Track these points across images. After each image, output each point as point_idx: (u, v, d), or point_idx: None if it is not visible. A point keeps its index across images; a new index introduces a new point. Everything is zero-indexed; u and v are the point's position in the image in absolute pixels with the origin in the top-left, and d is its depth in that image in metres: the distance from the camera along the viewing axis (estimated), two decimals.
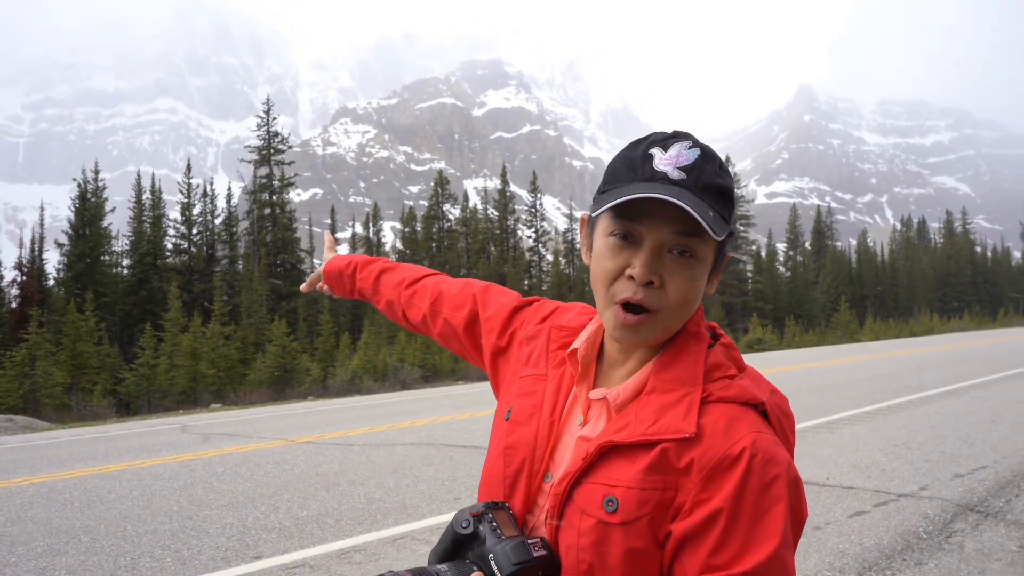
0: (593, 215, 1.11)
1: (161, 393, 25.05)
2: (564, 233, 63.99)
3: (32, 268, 41.00)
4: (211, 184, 44.33)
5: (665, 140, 1.07)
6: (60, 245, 39.36)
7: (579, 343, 1.19)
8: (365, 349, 27.59)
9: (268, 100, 45.17)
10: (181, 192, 41.87)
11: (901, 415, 9.00)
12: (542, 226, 61.66)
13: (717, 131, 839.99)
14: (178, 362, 25.93)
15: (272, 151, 43.33)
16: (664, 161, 1.04)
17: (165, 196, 43.56)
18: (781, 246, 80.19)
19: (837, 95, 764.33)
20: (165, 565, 4.22)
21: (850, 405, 9.95)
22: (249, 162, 43.61)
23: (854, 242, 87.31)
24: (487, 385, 1.21)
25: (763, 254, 69.89)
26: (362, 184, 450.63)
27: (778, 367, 18.44)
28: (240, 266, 42.66)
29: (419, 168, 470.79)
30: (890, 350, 23.85)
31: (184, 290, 37.19)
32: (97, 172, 40.57)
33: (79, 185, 38.97)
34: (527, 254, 60.57)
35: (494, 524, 1.06)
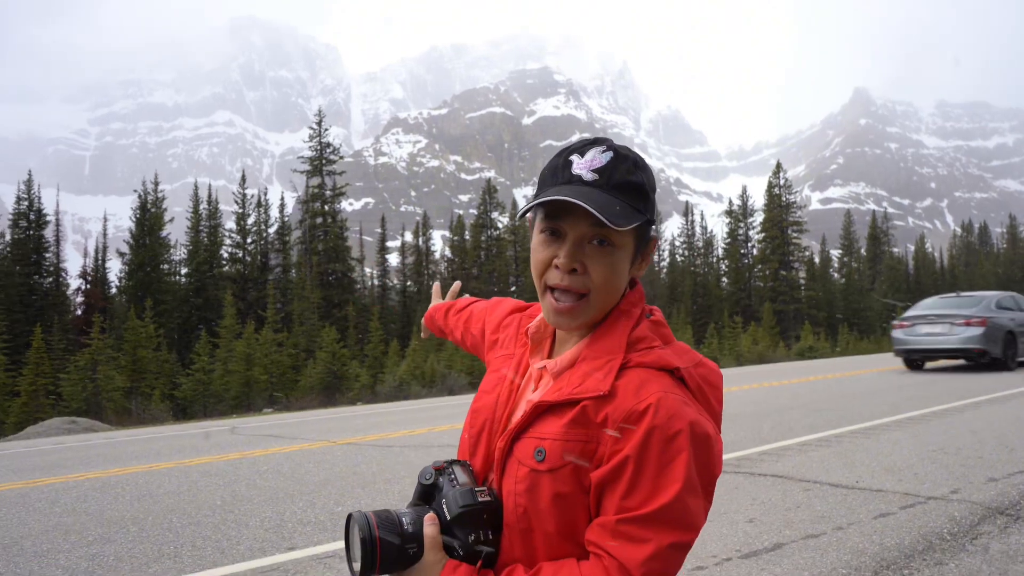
0: (528, 216, 1.32)
1: (216, 398, 25.70)
2: None
3: (96, 276, 42.55)
4: (265, 195, 45.39)
5: (583, 146, 1.25)
6: (122, 254, 40.74)
7: (533, 324, 1.38)
8: (413, 356, 27.90)
9: (320, 112, 46.12)
10: (236, 203, 42.96)
11: (944, 421, 8.86)
12: None
13: (769, 136, 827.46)
14: (232, 368, 26.57)
15: (324, 162, 44.19)
16: (580, 165, 1.22)
17: (222, 206, 44.82)
18: (835, 253, 78.57)
19: (894, 98, 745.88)
20: (205, 554, 4.45)
21: (891, 411, 9.81)
22: (302, 173, 44.56)
23: (912, 248, 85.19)
24: None
25: (816, 260, 68.71)
26: (413, 193, 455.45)
27: (824, 374, 18.18)
28: (293, 274, 43.56)
29: (469, 177, 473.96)
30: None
31: (239, 298, 38.13)
32: (157, 184, 41.92)
33: (139, 197, 40.28)
34: None
35: (452, 476, 1.24)
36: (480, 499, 1.19)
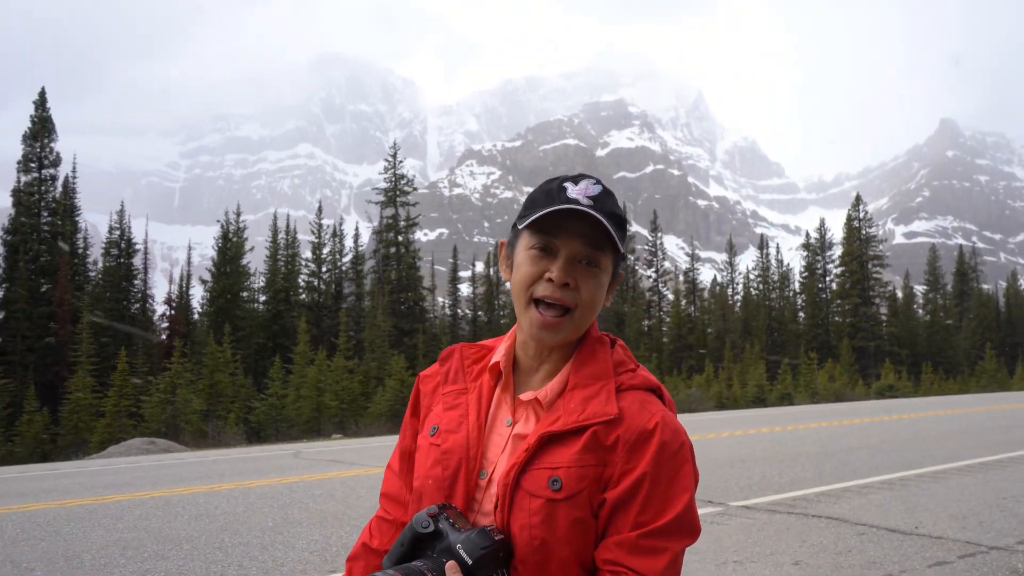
0: (518, 231, 1.34)
1: (288, 422, 26.28)
2: (686, 273, 63.04)
3: (180, 303, 44.31)
4: (340, 225, 46.59)
5: (575, 177, 1.33)
6: (204, 282, 42.32)
7: (499, 357, 1.38)
8: None
9: (395, 145, 47.21)
10: (312, 233, 44.21)
11: (1022, 468, 8.41)
12: (663, 266, 60.98)
13: (851, 168, 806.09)
14: (304, 393, 27.18)
15: (397, 193, 45.12)
16: (575, 191, 1.28)
17: (300, 236, 46.24)
18: (920, 288, 75.60)
19: (984, 128, 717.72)
20: (250, 573, 4.57)
21: (967, 455, 9.36)
22: (376, 204, 45.58)
23: (1004, 285, 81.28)
24: None
25: (899, 296, 66.26)
26: (486, 224, 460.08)
27: (901, 414, 17.46)
28: (366, 303, 44.40)
29: None
30: None
31: (312, 325, 39.03)
32: (238, 214, 43.52)
33: (221, 227, 41.90)
34: (647, 294, 59.93)
35: (450, 520, 1.20)
36: (496, 537, 1.19)
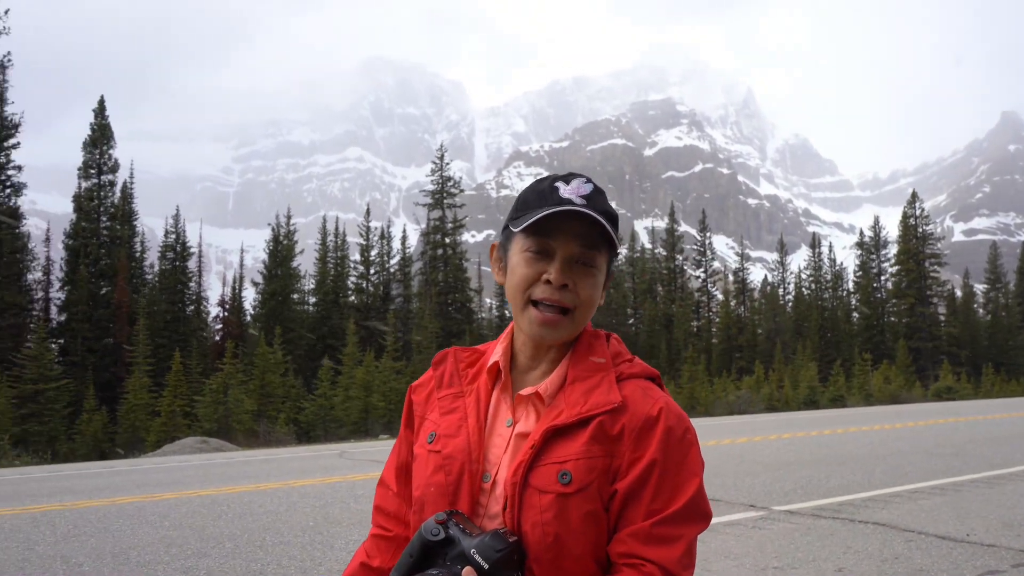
0: (510, 233, 1.32)
1: (337, 422, 26.63)
2: (736, 272, 62.13)
3: (233, 305, 45.27)
4: (389, 227, 47.06)
5: (565, 177, 1.32)
6: (256, 284, 43.17)
7: (497, 357, 1.37)
8: None
9: (442, 147, 47.57)
10: (360, 235, 44.76)
11: None
12: (712, 265, 60.21)
13: (907, 164, 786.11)
14: (352, 394, 27.51)
15: (445, 195, 45.41)
16: (568, 191, 1.27)
17: (349, 238, 46.86)
18: (980, 287, 73.29)
19: None
20: (289, 573, 4.63)
21: None
22: (424, 206, 45.92)
23: None
24: None
25: (959, 295, 64.37)
26: None
27: (959, 416, 16.94)
28: (414, 304, 44.78)
29: None
30: None
31: (361, 326, 39.51)
32: (289, 218, 44.28)
33: (272, 230, 42.70)
34: (695, 294, 59.25)
35: (460, 526, 1.18)
36: (510, 540, 1.17)
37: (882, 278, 57.86)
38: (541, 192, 1.28)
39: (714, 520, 5.71)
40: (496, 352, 1.38)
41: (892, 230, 59.62)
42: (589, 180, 1.29)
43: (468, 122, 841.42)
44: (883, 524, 5.57)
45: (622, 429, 1.21)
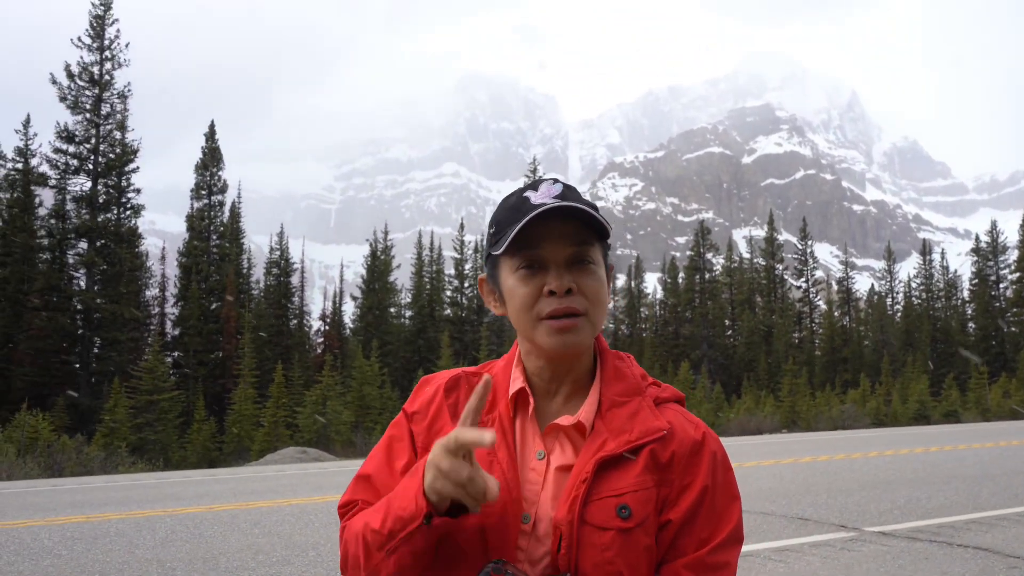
0: (495, 260, 1.23)
1: None
2: (840, 282, 59.84)
3: (333, 318, 46.78)
4: (482, 241, 47.68)
5: (532, 184, 1.24)
6: (354, 298, 44.48)
7: (519, 384, 1.24)
8: None
9: (534, 160, 48.01)
10: (455, 249, 45.50)
11: None
12: (814, 275, 58.20)
13: None
14: None
15: None
16: (538, 196, 1.19)
17: (445, 252, 47.74)
18: None
19: None
20: None
21: None
22: None
23: None
24: None
25: None
26: (629, 236, 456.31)
27: None
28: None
29: (686, 219, 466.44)
30: None
31: (455, 339, 40.07)
32: (386, 233, 45.50)
33: (370, 245, 43.95)
34: (796, 304, 57.37)
35: (513, 575, 1.07)
36: None
37: (1001, 286, 54.55)
38: (512, 207, 1.20)
39: (800, 540, 5.52)
40: (515, 380, 1.26)
41: (1012, 235, 56.17)
42: (557, 180, 1.22)
43: (562, 135, 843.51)
44: (985, 549, 5.24)
45: (672, 456, 1.16)
